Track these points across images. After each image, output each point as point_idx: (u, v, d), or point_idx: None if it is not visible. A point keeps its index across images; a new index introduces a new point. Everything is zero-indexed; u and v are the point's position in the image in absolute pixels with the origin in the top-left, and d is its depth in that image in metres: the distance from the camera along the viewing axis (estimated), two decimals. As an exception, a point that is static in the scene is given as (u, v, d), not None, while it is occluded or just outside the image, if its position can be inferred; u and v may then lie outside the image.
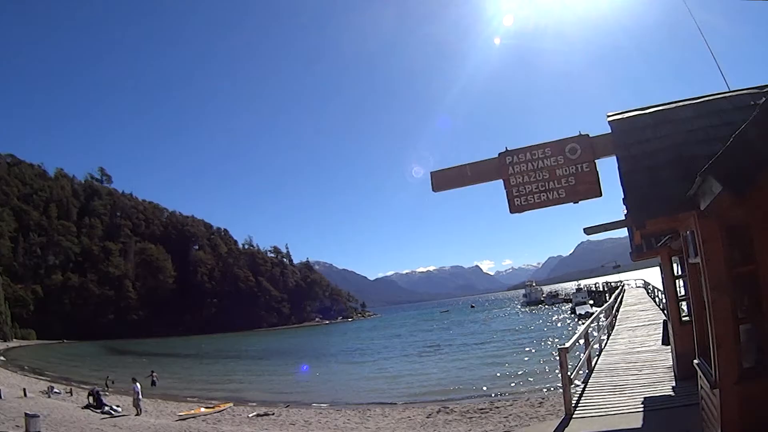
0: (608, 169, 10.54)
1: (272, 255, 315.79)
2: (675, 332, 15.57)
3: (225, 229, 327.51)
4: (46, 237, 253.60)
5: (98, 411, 37.05)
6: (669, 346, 18.77)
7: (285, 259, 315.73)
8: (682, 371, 15.06)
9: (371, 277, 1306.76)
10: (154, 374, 57.42)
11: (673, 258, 15.55)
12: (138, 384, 37.51)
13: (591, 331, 22.58)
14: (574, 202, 11.11)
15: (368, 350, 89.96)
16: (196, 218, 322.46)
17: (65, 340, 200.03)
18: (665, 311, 35.97)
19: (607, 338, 27.89)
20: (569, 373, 15.43)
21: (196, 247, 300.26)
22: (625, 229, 15.87)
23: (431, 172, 12.19)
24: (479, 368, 50.45)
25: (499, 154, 11.61)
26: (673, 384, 15.19)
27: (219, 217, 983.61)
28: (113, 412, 36.31)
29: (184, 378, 67.61)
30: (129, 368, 71.75)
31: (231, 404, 40.21)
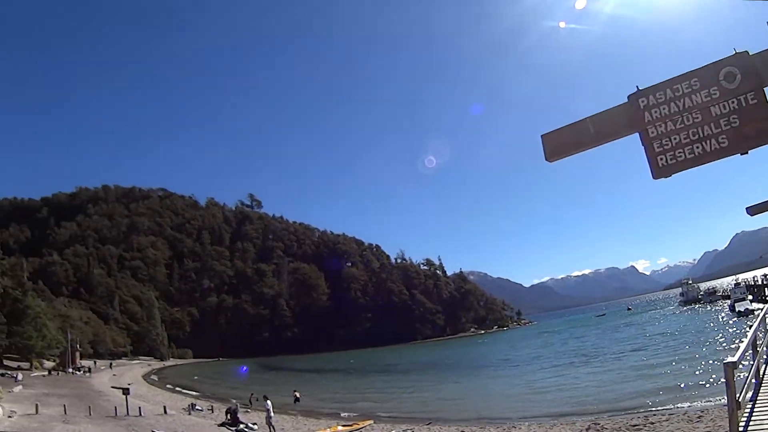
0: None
1: (425, 268, 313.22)
2: None
3: (377, 245, 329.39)
4: (200, 262, 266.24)
5: (233, 429, 37.28)
6: None
7: (438, 271, 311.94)
8: None
9: (526, 284, 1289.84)
10: (296, 392, 57.40)
11: None
12: (269, 402, 37.66)
13: (758, 336, 17.72)
14: (742, 153, 7.27)
15: (519, 361, 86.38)
16: (348, 236, 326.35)
17: (221, 358, 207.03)
18: None
19: None
20: (738, 395, 11.55)
21: (349, 263, 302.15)
22: None
23: (542, 136, 8.41)
24: (633, 379, 47.13)
25: (629, 96, 7.99)
26: None
27: (371, 234, 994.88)
28: (247, 431, 36.82)
29: (329, 394, 66.73)
30: (276, 385, 74.13)
31: (371, 422, 38.38)
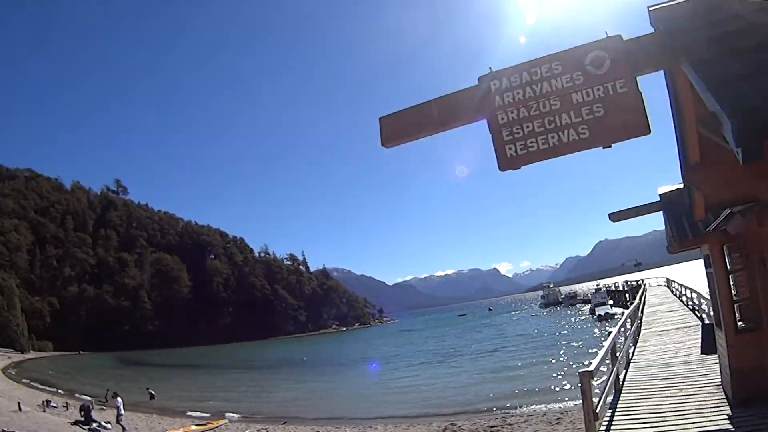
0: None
1: (289, 263, 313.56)
2: (729, 343, 11.96)
3: (241, 238, 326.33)
4: (62, 249, 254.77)
5: (86, 427, 35.72)
6: (712, 356, 15.84)
7: (301, 267, 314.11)
8: (741, 393, 11.75)
9: (390, 283, 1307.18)
10: (149, 389, 56.26)
11: (727, 247, 12.07)
12: (120, 399, 36.22)
13: (618, 342, 18.31)
14: (605, 146, 6.87)
15: (379, 359, 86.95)
16: (212, 227, 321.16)
17: (81, 352, 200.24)
18: (697, 312, 33.28)
19: (635, 346, 23.86)
20: (595, 406, 11.39)
21: (212, 256, 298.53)
22: (662, 216, 14.07)
23: (380, 118, 7.93)
24: (491, 380, 47.56)
25: (479, 78, 7.50)
26: (728, 411, 11.69)
27: (235, 226, 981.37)
28: (100, 429, 35.31)
29: (187, 391, 65.34)
30: (132, 381, 72.34)
31: (226, 421, 38.38)
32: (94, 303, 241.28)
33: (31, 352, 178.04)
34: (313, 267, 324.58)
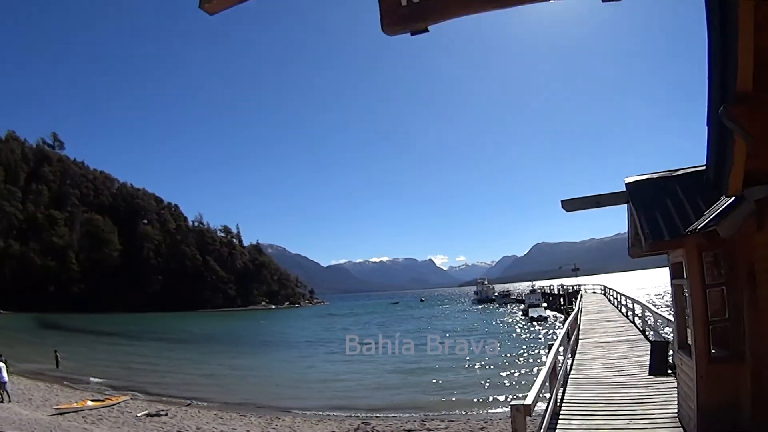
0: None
1: (222, 234, 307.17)
2: (700, 372, 9.71)
3: (176, 205, 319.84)
4: None
5: None
6: (661, 378, 14.60)
7: (234, 240, 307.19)
8: (706, 433, 9.53)
9: (324, 264, 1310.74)
10: (58, 354, 54.05)
11: (704, 254, 9.81)
12: (3, 365, 33.01)
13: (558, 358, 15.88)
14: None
15: (301, 343, 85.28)
16: (147, 191, 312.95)
17: (2, 311, 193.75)
18: (638, 325, 31.50)
19: (573, 357, 21.61)
20: None
21: (145, 221, 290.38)
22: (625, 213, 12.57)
23: None
24: (413, 375, 45.30)
25: None
26: (693, 454, 9.52)
27: (172, 193, 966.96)
28: None
29: (98, 361, 62.39)
30: (45, 345, 68.64)
31: (128, 398, 35.99)
32: (19, 260, 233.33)
33: None
34: (249, 242, 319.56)
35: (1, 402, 31.63)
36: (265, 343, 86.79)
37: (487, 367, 45.89)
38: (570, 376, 17.96)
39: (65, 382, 44.41)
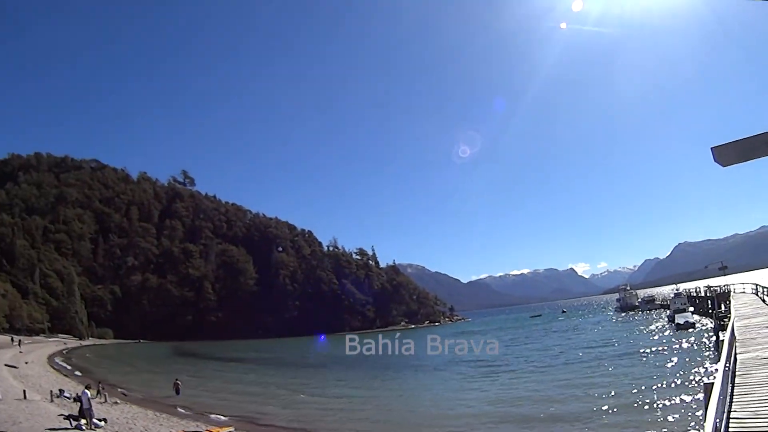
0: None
1: (358, 257, 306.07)
2: None
3: (309, 231, 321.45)
4: (126, 239, 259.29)
5: (75, 423, 31.79)
6: None
7: (371, 262, 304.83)
8: None
9: (464, 280, 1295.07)
10: (179, 382, 54.43)
11: None
12: (88, 392, 33.30)
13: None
14: None
15: (431, 363, 76.31)
16: (280, 220, 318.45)
17: (142, 340, 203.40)
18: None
19: (732, 383, 15.82)
20: None
21: (280, 249, 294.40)
22: None
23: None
24: (558, 398, 39.21)
25: None
26: None
27: (305, 220, 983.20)
28: (81, 429, 31.19)
29: (221, 388, 61.83)
30: (171, 372, 68.17)
31: (232, 428, 33.95)
32: (156, 292, 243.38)
33: (90, 339, 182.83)
34: (387, 262, 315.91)
35: (84, 428, 31.03)
36: (386, 367, 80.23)
37: (637, 382, 39.86)
38: (732, 416, 12.72)
39: (179, 409, 43.61)
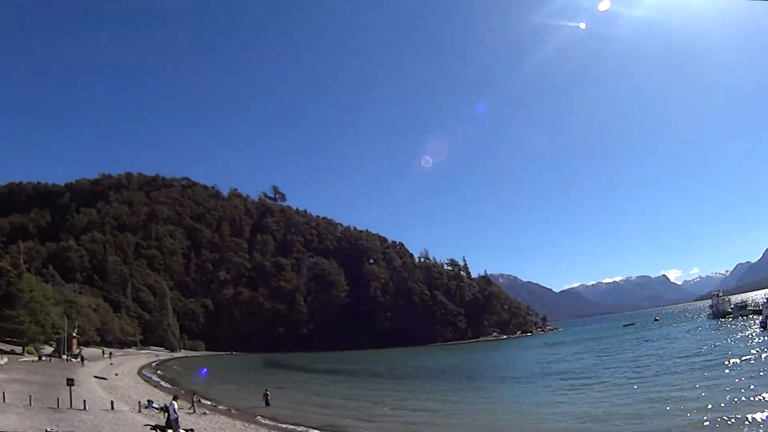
0: None
1: (449, 268, 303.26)
2: None
3: (400, 243, 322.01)
4: (218, 254, 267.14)
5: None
6: None
7: (462, 272, 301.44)
8: None
9: (556, 290, 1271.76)
10: (268, 393, 55.00)
11: None
12: (175, 403, 34.07)
13: None
14: None
15: (520, 374, 78.50)
16: (371, 233, 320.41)
17: (233, 352, 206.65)
18: None
19: None
20: None
21: (371, 261, 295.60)
22: None
23: None
24: (625, 421, 36.05)
25: None
26: None
27: (396, 232, 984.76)
28: None
29: (310, 399, 62.31)
30: (266, 384, 66.06)
31: None
32: (248, 305, 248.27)
33: (182, 351, 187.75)
34: (479, 273, 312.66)
35: None
36: (472, 378, 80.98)
37: (729, 407, 35.15)
38: None
39: (266, 421, 43.75)
